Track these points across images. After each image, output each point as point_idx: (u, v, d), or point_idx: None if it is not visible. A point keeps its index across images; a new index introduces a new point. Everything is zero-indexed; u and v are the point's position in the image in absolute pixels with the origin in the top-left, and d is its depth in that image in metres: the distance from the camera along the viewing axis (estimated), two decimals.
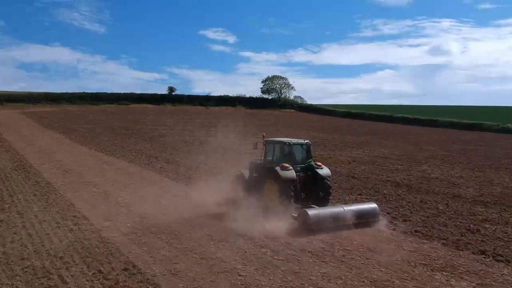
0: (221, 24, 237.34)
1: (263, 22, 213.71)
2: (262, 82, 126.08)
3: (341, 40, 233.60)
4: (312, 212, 13.58)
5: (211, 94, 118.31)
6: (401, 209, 17.45)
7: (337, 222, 13.72)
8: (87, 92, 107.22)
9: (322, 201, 15.32)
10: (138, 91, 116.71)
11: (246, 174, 16.95)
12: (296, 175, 15.04)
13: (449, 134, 61.40)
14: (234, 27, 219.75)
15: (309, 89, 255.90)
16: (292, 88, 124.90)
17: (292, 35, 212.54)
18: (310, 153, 16.33)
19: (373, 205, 15.20)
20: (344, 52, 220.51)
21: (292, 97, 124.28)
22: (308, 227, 13.28)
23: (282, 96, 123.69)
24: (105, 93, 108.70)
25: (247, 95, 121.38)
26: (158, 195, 18.44)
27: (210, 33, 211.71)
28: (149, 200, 17.52)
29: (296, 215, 13.84)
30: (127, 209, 16.28)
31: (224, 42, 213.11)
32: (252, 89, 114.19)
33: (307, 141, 16.58)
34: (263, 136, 17.29)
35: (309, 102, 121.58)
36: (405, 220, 15.77)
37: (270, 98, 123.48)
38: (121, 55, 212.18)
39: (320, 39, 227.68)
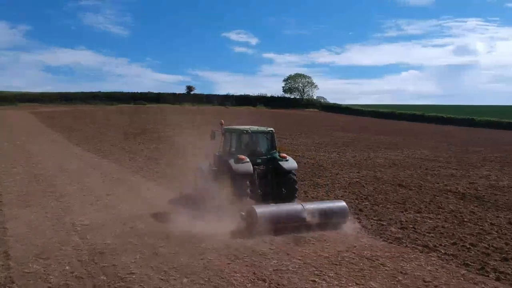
0: (244, 26, 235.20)
1: (285, 24, 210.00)
2: (284, 80, 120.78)
3: (365, 40, 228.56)
4: (261, 210, 11.64)
5: (231, 94, 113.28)
6: (488, 238, 11.83)
7: (294, 223, 11.95)
8: (103, 92, 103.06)
9: (286, 199, 13.47)
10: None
11: (205, 167, 15.11)
12: (255, 168, 13.53)
13: (491, 134, 56.17)
14: (256, 28, 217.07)
15: (330, 91, 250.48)
16: (316, 87, 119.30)
17: (315, 36, 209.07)
18: (274, 143, 14.54)
19: (341, 204, 13.02)
20: (367, 52, 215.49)
21: (315, 97, 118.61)
22: (256, 227, 11.37)
23: (305, 95, 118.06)
24: (121, 92, 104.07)
25: (269, 95, 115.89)
26: (129, 218, 13.05)
27: (233, 35, 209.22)
28: (109, 226, 12.15)
29: (244, 214, 11.94)
30: (79, 236, 11.07)
31: (246, 44, 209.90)
32: (274, 90, 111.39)
33: (271, 129, 14.68)
34: (221, 124, 15.41)
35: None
36: (506, 260, 10.19)
37: (292, 97, 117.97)
38: (144, 57, 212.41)
39: (343, 39, 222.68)
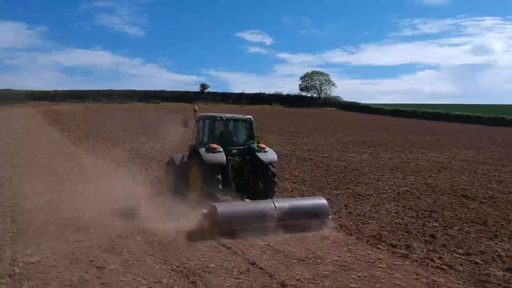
0: (258, 26, 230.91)
1: (300, 23, 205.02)
2: (301, 78, 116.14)
3: (380, 40, 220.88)
4: (223, 208, 10.09)
5: (246, 92, 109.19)
6: None
7: (264, 222, 10.22)
8: (115, 90, 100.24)
9: (264, 194, 11.97)
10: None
11: (178, 159, 13.85)
12: (229, 159, 12.13)
13: None
14: (270, 28, 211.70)
15: (345, 91, 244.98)
16: (333, 84, 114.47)
17: (329, 36, 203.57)
18: (252, 132, 13.10)
19: (321, 201, 11.45)
20: (383, 52, 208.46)
21: (333, 95, 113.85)
22: (218, 227, 9.78)
23: (322, 93, 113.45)
24: (134, 90, 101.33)
25: (285, 93, 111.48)
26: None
27: (247, 35, 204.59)
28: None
29: (206, 212, 10.26)
30: None
31: (260, 44, 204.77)
32: (288, 91, 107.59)
33: (249, 116, 13.26)
34: (195, 111, 14.35)
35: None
36: None
37: (309, 95, 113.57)
38: (159, 58, 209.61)
39: (358, 39, 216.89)
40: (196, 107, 14.84)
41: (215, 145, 11.82)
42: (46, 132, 35.77)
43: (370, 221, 11.58)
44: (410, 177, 18.92)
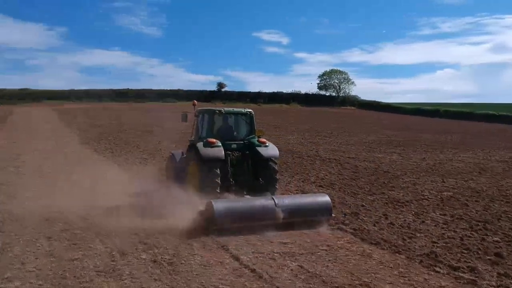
0: (275, 26, 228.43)
1: (317, 23, 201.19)
2: (319, 77, 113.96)
3: (398, 39, 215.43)
4: (220, 205, 9.50)
5: (263, 91, 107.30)
6: None
7: (262, 221, 9.62)
8: (132, 89, 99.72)
9: (264, 191, 11.35)
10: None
11: (178, 155, 13.59)
12: (228, 154, 11.59)
13: None
14: (287, 28, 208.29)
15: (363, 90, 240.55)
16: (353, 83, 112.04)
17: (346, 35, 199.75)
18: (253, 126, 12.53)
19: (324, 198, 10.72)
20: (401, 51, 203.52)
21: (352, 93, 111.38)
22: (214, 225, 9.23)
23: (341, 92, 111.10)
24: (150, 89, 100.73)
25: (303, 92, 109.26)
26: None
27: (264, 35, 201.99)
28: None
29: (202, 209, 9.68)
30: None
31: (277, 44, 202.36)
32: (305, 90, 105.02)
33: (249, 110, 12.71)
34: (194, 105, 14.08)
35: None
36: None
37: (327, 94, 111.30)
38: (177, 58, 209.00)
39: (376, 38, 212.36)
40: (195, 101, 14.39)
41: (213, 140, 11.41)
42: (56, 131, 34.60)
43: (418, 235, 9.80)
44: (449, 180, 17.04)
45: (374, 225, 10.48)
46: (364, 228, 10.13)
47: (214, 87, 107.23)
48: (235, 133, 12.61)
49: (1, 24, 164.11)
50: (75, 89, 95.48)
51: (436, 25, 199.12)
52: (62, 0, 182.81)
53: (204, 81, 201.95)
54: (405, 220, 11.05)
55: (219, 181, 11.06)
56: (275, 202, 9.97)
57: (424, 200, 13.49)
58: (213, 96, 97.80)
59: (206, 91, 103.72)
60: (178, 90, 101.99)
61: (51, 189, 13.20)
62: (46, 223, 9.77)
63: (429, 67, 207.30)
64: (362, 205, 12.52)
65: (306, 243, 9.02)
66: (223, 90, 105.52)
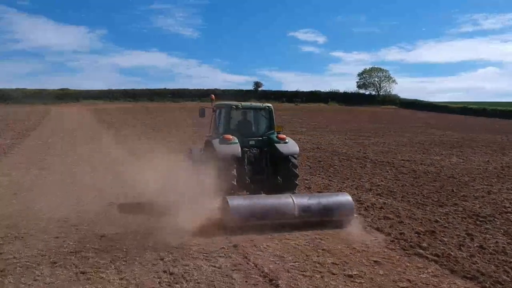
0: (311, 25, 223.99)
1: (354, 21, 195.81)
2: (358, 75, 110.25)
3: (438, 36, 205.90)
4: (235, 202, 9.25)
5: (301, 90, 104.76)
6: None
7: (279, 219, 9.27)
8: (168, 89, 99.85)
9: (283, 189, 10.84)
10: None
11: (196, 151, 12.79)
12: (245, 151, 11.17)
13: None
14: (324, 27, 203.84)
15: (401, 89, 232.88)
16: (394, 81, 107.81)
17: (385, 33, 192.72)
18: (272, 122, 11.93)
19: (346, 197, 10.18)
20: (441, 49, 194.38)
21: (393, 92, 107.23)
22: (230, 222, 9.00)
23: (382, 91, 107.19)
24: (187, 89, 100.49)
25: (341, 90, 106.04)
26: None
27: (300, 34, 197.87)
28: None
29: (218, 206, 9.64)
30: None
31: (314, 43, 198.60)
32: (342, 90, 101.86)
33: (268, 105, 12.10)
34: (212, 99, 13.07)
35: None
36: None
37: (367, 93, 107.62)
38: (214, 59, 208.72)
39: (415, 36, 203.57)
40: (213, 95, 13.66)
41: (230, 136, 10.98)
42: (88, 131, 33.65)
43: None
44: None
45: (460, 249, 8.25)
46: (450, 254, 7.91)
47: (250, 87, 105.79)
48: (253, 129, 12.16)
49: (44, 27, 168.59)
50: (113, 89, 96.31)
51: (478, 22, 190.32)
52: (102, 3, 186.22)
53: (241, 81, 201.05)
54: (496, 243, 8.75)
55: (235, 182, 10.57)
56: (293, 199, 9.56)
57: (509, 214, 11.11)
58: (249, 96, 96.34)
59: (242, 90, 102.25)
60: (215, 90, 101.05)
61: (71, 197, 11.66)
62: (54, 242, 8.08)
63: (470, 65, 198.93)
64: (436, 221, 10.28)
65: (379, 276, 6.92)
66: (259, 89, 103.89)
